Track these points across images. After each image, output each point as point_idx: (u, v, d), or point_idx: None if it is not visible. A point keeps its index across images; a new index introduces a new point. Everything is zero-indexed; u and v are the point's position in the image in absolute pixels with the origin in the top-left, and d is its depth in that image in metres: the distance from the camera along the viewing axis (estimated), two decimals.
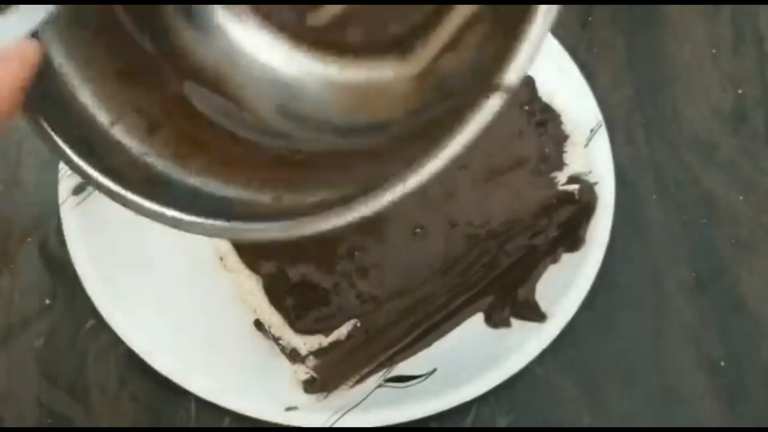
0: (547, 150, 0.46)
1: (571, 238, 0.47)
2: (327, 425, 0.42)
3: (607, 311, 0.48)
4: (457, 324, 0.45)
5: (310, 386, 0.43)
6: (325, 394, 0.43)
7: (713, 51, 0.57)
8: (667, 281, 0.50)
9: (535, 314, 0.45)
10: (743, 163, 0.53)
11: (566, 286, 0.46)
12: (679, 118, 0.55)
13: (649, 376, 0.47)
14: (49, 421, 0.44)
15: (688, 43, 0.57)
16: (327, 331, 0.41)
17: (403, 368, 0.45)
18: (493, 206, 0.45)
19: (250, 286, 0.42)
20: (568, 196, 0.46)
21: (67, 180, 0.46)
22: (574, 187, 0.47)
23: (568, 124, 0.47)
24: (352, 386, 0.44)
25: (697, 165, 0.53)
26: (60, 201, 0.46)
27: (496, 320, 0.46)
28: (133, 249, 0.46)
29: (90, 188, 0.46)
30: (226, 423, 0.44)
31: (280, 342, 0.43)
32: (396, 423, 0.42)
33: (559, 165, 0.46)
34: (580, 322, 0.47)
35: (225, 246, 0.43)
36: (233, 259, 0.43)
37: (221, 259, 0.44)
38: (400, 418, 0.42)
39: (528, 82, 0.48)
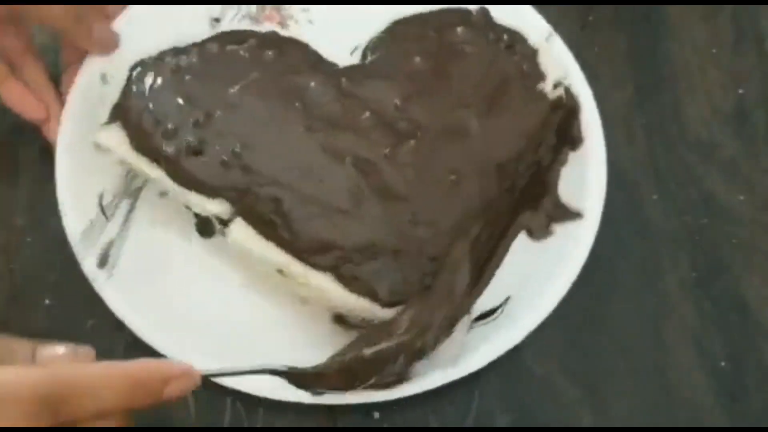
0: (525, 67, 0.49)
1: (569, 139, 0.49)
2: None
3: (608, 311, 0.48)
4: (507, 249, 0.47)
5: None
6: None
7: (713, 51, 0.57)
8: (667, 281, 0.50)
9: (570, 214, 0.47)
10: (744, 162, 0.53)
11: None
12: (679, 118, 0.55)
13: (650, 376, 0.47)
14: None
15: (688, 43, 0.57)
16: (410, 296, 0.42)
17: (479, 307, 0.45)
18: (505, 132, 0.47)
19: (322, 283, 0.43)
20: (558, 102, 0.49)
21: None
22: (560, 91, 0.49)
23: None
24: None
25: (698, 165, 0.53)
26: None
27: (538, 233, 0.48)
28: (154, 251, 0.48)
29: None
30: (227, 423, 0.44)
31: (372, 323, 0.44)
32: (495, 357, 0.43)
33: (541, 76, 0.48)
34: (580, 322, 0.47)
35: (282, 257, 0.43)
36: (296, 265, 0.43)
37: (280, 271, 0.44)
38: (498, 351, 0.43)
39: (483, 13, 0.50)
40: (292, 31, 0.52)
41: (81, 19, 0.47)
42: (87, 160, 0.47)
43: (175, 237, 0.48)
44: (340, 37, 0.50)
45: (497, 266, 0.46)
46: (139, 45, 0.48)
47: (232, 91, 0.46)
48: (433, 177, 0.45)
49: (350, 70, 0.48)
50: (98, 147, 0.46)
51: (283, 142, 0.45)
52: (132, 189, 0.48)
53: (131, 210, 0.48)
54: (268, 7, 0.53)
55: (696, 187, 0.52)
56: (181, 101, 0.46)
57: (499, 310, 0.45)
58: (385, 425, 0.44)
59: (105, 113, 0.46)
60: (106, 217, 0.47)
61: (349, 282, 0.42)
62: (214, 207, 0.44)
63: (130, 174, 0.48)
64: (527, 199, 0.48)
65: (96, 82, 0.49)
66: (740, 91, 0.56)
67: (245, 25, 0.51)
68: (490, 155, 0.46)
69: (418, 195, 0.45)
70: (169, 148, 0.44)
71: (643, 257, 0.50)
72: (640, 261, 0.50)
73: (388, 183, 0.44)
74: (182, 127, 0.45)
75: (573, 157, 0.49)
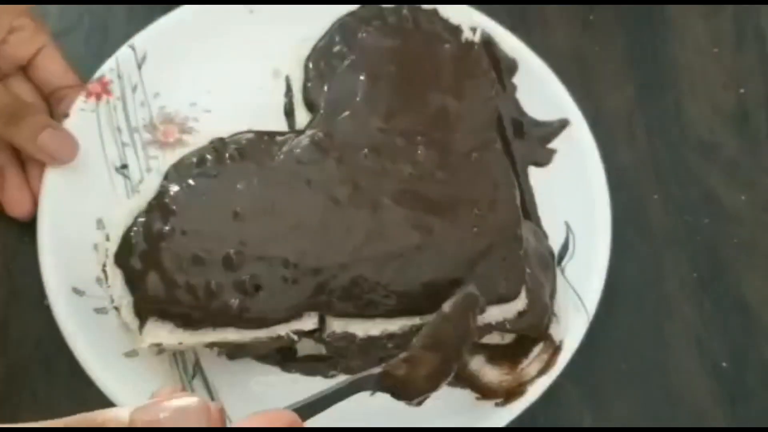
0: (445, 34, 0.49)
1: (505, 66, 0.51)
2: None
3: (608, 311, 0.47)
4: (530, 189, 0.50)
5: None
6: None
7: (715, 50, 0.57)
8: (668, 281, 0.49)
9: (554, 125, 0.50)
10: (745, 162, 0.53)
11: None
12: (680, 118, 0.54)
13: (650, 376, 0.47)
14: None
15: (689, 43, 0.57)
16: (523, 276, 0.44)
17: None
18: (475, 91, 0.48)
19: None
20: (486, 40, 0.51)
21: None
22: (479, 31, 0.50)
23: None
24: None
25: (699, 164, 0.53)
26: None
27: (542, 159, 0.50)
28: None
29: None
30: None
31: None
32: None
33: (457, 30, 0.49)
34: None
35: (394, 325, 0.42)
36: (411, 320, 0.42)
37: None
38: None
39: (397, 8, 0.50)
40: (202, 125, 0.50)
41: (16, 120, 0.44)
42: None
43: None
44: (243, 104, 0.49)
45: (534, 204, 0.49)
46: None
47: (237, 210, 0.42)
48: (459, 165, 0.45)
49: (315, 123, 0.46)
50: (144, 350, 0.42)
51: (324, 228, 0.42)
52: (189, 374, 0.44)
53: (210, 391, 0.44)
54: (161, 128, 0.49)
55: (697, 187, 0.52)
56: (201, 255, 0.41)
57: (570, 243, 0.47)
58: None
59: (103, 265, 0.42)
60: None
61: None
62: (305, 324, 0.42)
63: (179, 358, 0.44)
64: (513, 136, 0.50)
65: (92, 228, 0.46)
66: (741, 90, 0.55)
67: (153, 154, 0.49)
68: (481, 117, 0.46)
69: (466, 189, 0.44)
70: (228, 304, 0.40)
71: (644, 257, 0.50)
72: (641, 261, 0.50)
73: (436, 197, 0.44)
74: (224, 278, 0.41)
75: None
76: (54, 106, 0.48)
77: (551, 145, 0.50)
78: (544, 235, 0.48)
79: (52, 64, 0.48)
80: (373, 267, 0.41)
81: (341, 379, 0.41)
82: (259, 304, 0.41)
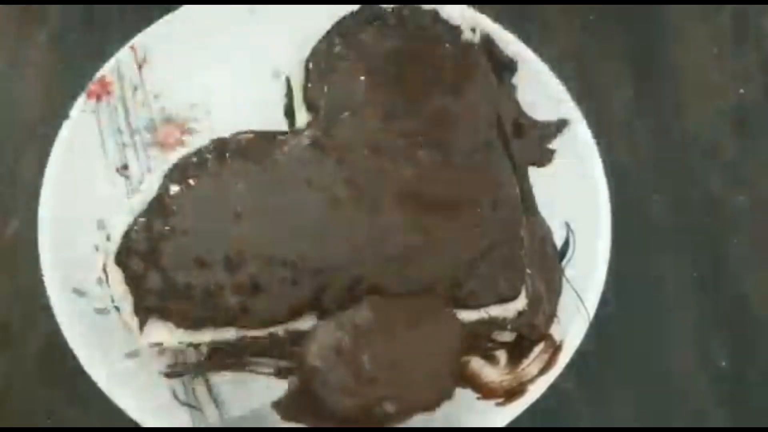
0: (445, 34, 0.49)
1: (506, 66, 0.51)
2: None
3: (608, 311, 0.48)
4: (530, 188, 0.49)
5: None
6: None
7: (714, 51, 0.57)
8: (668, 281, 0.50)
9: (553, 125, 0.49)
10: (745, 162, 0.53)
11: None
12: (680, 118, 0.55)
13: (650, 376, 0.47)
14: (49, 421, 0.44)
15: (689, 43, 0.57)
16: (524, 275, 0.44)
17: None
18: (476, 91, 0.47)
19: None
20: (485, 40, 0.50)
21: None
22: (478, 31, 0.49)
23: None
24: None
25: (699, 165, 0.53)
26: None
27: (541, 159, 0.50)
28: None
29: None
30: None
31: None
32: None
33: (457, 30, 0.48)
34: None
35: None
36: None
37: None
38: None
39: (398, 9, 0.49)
40: (202, 126, 0.50)
41: None
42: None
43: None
44: (245, 100, 0.49)
45: (534, 204, 0.48)
46: None
47: (238, 210, 0.42)
48: (460, 165, 0.44)
49: (315, 123, 0.46)
50: (145, 350, 0.43)
51: (324, 228, 0.42)
52: (193, 367, 0.45)
53: (211, 391, 0.44)
54: (162, 128, 0.50)
55: (697, 187, 0.52)
56: (201, 255, 0.41)
57: (571, 243, 0.47)
58: None
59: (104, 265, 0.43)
60: (202, 410, 0.44)
61: (468, 302, 0.42)
62: (305, 324, 0.42)
63: (180, 358, 0.45)
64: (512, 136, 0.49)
65: (93, 229, 0.46)
66: (741, 90, 0.56)
67: (154, 154, 0.49)
68: (481, 117, 0.46)
69: (467, 189, 0.44)
70: (228, 304, 0.41)
71: (644, 257, 0.50)
72: (641, 261, 0.50)
73: (437, 198, 0.44)
74: (224, 278, 0.41)
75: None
76: None
77: (551, 145, 0.50)
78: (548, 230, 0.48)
79: None
80: (374, 268, 0.41)
81: None
82: (259, 304, 0.41)
